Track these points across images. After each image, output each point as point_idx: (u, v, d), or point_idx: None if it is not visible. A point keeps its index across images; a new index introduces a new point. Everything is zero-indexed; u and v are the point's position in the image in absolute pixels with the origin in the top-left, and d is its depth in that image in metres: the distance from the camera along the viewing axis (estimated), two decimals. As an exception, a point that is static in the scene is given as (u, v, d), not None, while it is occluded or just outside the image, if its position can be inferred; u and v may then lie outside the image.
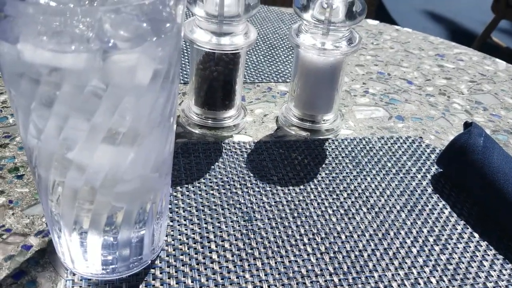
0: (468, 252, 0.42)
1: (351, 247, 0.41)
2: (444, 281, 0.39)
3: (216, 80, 0.52)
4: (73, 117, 0.28)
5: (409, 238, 0.43)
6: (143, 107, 0.29)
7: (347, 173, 0.50)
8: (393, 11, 3.01)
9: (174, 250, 0.39)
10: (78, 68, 0.26)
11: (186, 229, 0.41)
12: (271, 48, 0.75)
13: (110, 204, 0.32)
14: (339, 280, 0.38)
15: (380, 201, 0.46)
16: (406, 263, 0.40)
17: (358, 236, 0.42)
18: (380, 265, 0.40)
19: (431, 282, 0.39)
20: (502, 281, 0.40)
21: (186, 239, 0.40)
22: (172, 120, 0.33)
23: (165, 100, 0.31)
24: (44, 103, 0.27)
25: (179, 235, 0.40)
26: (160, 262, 0.38)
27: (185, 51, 0.70)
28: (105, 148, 0.29)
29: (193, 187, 0.46)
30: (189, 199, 0.44)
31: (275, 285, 0.37)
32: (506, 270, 0.41)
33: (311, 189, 0.47)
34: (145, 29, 0.28)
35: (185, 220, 0.42)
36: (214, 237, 0.41)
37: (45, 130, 0.28)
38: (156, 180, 0.34)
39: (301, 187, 0.47)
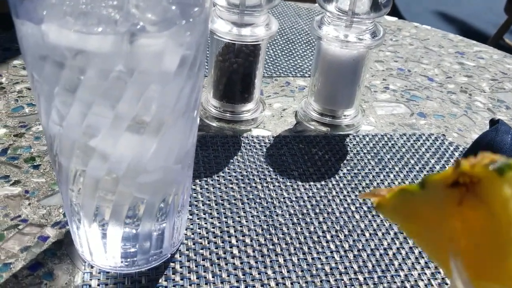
0: (496, 252, 0.41)
1: (375, 245, 0.40)
2: (472, 282, 0.38)
3: (236, 73, 0.50)
4: (97, 104, 0.27)
5: (434, 237, 0.41)
6: (169, 95, 0.28)
7: (369, 169, 0.48)
8: (405, 12, 2.99)
9: (194, 244, 0.38)
10: (104, 51, 0.25)
11: (205, 223, 0.40)
12: (288, 42, 0.74)
13: (132, 195, 0.31)
14: (364, 278, 0.37)
15: (403, 198, 0.45)
16: (432, 261, 0.39)
17: (383, 234, 0.41)
18: (406, 264, 0.38)
19: (459, 283, 0.37)
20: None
21: (206, 233, 0.39)
22: (196, 112, 0.32)
23: (190, 90, 0.30)
24: (68, 89, 0.26)
25: (199, 229, 0.39)
26: (180, 256, 0.37)
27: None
28: (129, 137, 0.28)
29: (212, 181, 0.44)
30: (208, 192, 0.43)
31: (298, 282, 0.36)
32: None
33: (332, 185, 0.46)
34: (173, 12, 0.27)
35: (204, 214, 0.41)
36: (235, 231, 0.39)
37: (68, 116, 0.27)
38: (178, 172, 0.33)
39: (323, 183, 0.46)
